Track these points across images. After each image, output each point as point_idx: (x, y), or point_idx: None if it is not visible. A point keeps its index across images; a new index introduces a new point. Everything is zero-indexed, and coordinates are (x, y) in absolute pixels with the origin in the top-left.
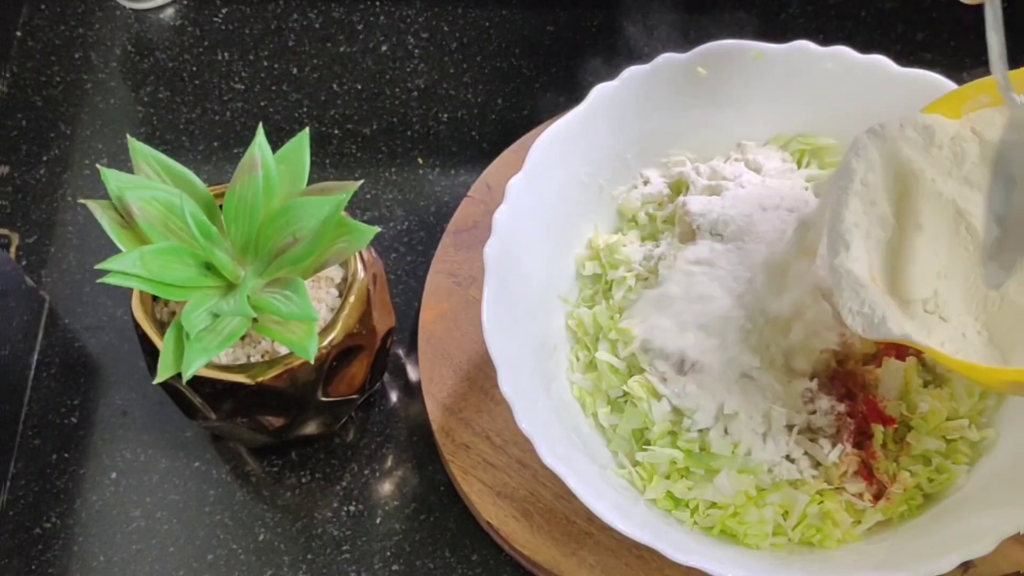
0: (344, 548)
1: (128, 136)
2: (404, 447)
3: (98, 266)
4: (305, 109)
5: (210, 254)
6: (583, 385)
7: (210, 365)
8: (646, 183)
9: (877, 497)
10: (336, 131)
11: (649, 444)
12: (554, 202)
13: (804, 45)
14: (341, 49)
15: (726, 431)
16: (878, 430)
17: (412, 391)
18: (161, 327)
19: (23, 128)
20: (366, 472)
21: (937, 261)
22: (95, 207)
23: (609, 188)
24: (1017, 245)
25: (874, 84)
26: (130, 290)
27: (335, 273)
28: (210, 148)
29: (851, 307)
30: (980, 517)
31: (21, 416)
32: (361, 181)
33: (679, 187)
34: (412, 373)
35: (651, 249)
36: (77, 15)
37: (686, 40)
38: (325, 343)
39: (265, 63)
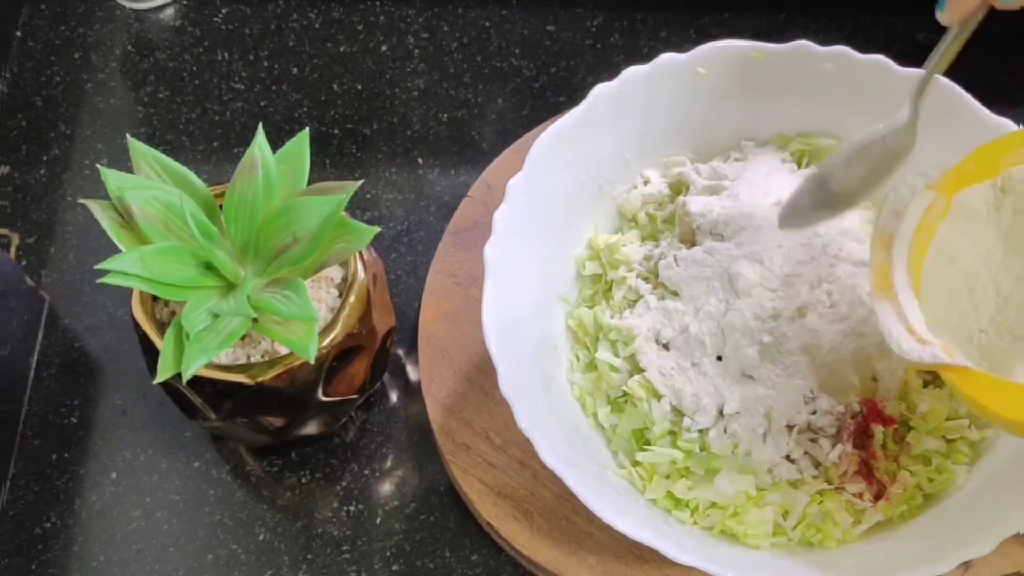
0: (344, 548)
1: (128, 136)
2: (404, 447)
3: (98, 266)
4: (305, 109)
5: (210, 254)
6: (583, 385)
7: (210, 365)
8: (646, 183)
9: (877, 497)
10: (336, 131)
11: (649, 444)
12: (554, 202)
13: (804, 45)
14: (341, 49)
15: (726, 431)
16: (878, 430)
17: (412, 391)
18: (161, 327)
19: (23, 128)
20: (366, 472)
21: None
22: (95, 207)
23: (609, 188)
24: None
25: (874, 84)
26: (130, 290)
27: (335, 273)
28: (210, 148)
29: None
30: (980, 517)
31: (21, 416)
32: (361, 181)
33: (679, 187)
34: (412, 373)
35: (651, 249)
36: (77, 15)
37: (686, 40)
38: (325, 343)
39: (265, 63)
